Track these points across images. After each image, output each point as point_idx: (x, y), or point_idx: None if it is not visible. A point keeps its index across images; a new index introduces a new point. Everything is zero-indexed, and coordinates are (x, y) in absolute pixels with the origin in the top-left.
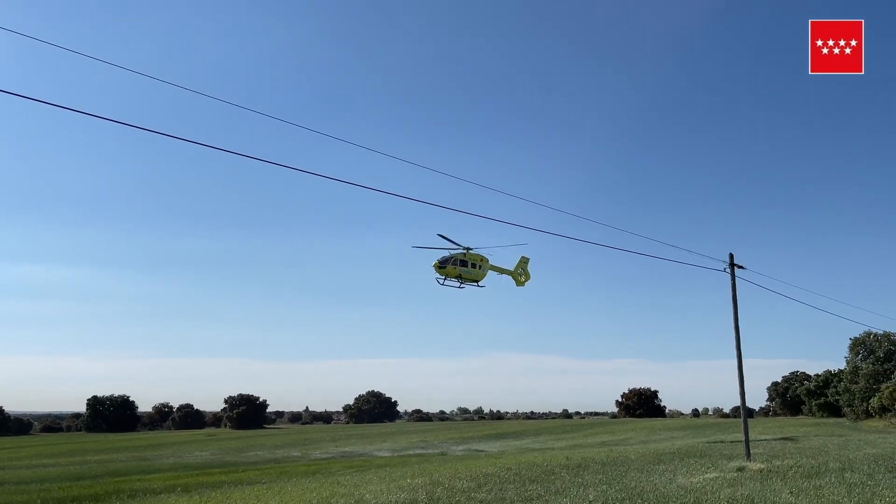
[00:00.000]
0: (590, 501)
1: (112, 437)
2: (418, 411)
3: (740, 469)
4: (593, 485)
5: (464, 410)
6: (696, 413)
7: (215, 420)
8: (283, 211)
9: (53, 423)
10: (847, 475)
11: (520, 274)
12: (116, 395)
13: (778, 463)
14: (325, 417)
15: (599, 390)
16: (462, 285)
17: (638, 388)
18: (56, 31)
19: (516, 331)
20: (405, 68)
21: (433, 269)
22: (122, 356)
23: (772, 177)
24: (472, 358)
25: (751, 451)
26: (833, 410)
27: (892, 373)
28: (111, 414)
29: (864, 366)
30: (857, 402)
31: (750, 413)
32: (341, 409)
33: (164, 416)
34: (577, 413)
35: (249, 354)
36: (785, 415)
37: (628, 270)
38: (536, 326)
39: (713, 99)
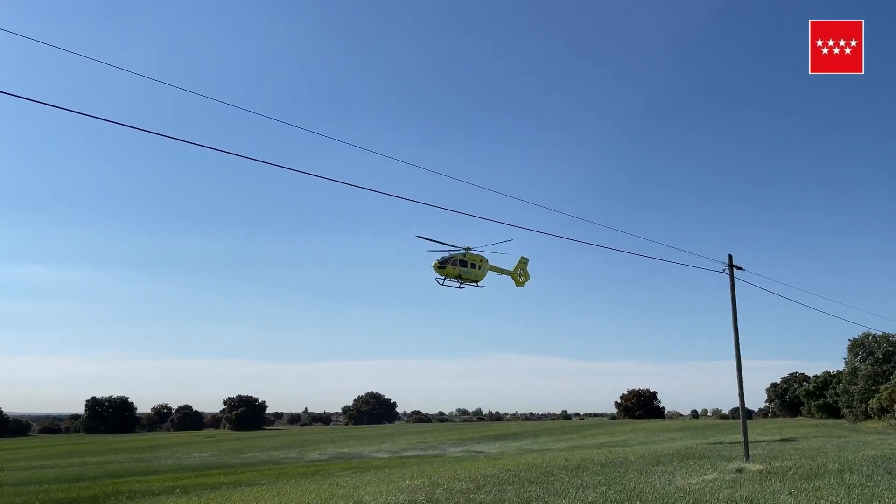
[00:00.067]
0: (589, 502)
1: (111, 438)
2: (417, 412)
3: (739, 470)
4: (592, 486)
5: (463, 412)
6: (695, 414)
7: (214, 421)
8: (282, 212)
9: (52, 425)
10: (846, 476)
11: (519, 274)
12: (115, 396)
13: (777, 464)
14: (324, 419)
15: (598, 391)
16: (462, 285)
17: (637, 389)
18: (56, 33)
19: (515, 332)
20: (405, 69)
21: (433, 269)
22: (121, 357)
23: (771, 177)
24: (471, 359)
25: (750, 453)
26: (832, 412)
27: (891, 374)
28: (110, 415)
29: (862, 367)
30: (855, 403)
31: (749, 414)
32: (340, 411)
33: (162, 418)
34: (576, 414)
35: (248, 355)
36: (784, 416)
37: (627, 271)
38: (536, 327)
39: (713, 99)
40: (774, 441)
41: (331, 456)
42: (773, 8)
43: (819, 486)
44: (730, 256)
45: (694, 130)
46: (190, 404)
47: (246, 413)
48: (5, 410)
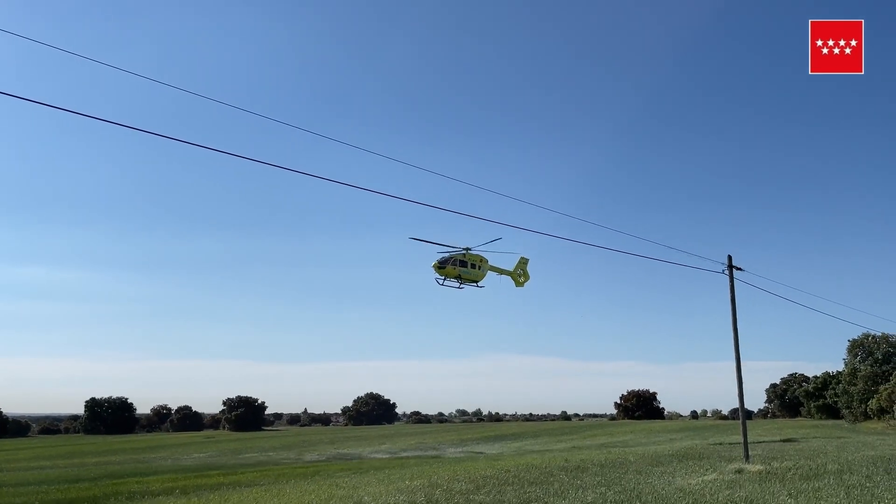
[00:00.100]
0: (588, 503)
1: (110, 439)
2: (417, 413)
3: (739, 471)
4: (592, 487)
5: (462, 412)
6: (694, 415)
7: (214, 422)
8: (281, 212)
9: (51, 425)
10: (845, 477)
11: (519, 275)
12: (115, 397)
13: (776, 465)
14: (324, 419)
15: (598, 392)
16: (461, 286)
17: (637, 389)
18: (56, 33)
19: (515, 332)
20: (405, 70)
21: (433, 269)
22: (120, 358)
23: (771, 177)
24: (470, 360)
25: (749, 453)
26: (831, 412)
27: (891, 375)
28: (109, 416)
29: (862, 368)
30: (855, 403)
31: (748, 415)
32: (340, 411)
33: (162, 418)
34: (576, 415)
35: (248, 356)
36: (783, 416)
37: (627, 272)
38: (535, 328)
39: (713, 99)
40: (774, 442)
41: (330, 456)
42: (773, 8)
43: (818, 487)
44: (729, 257)
45: (694, 130)
46: (189, 405)
47: (245, 414)
48: (5, 411)
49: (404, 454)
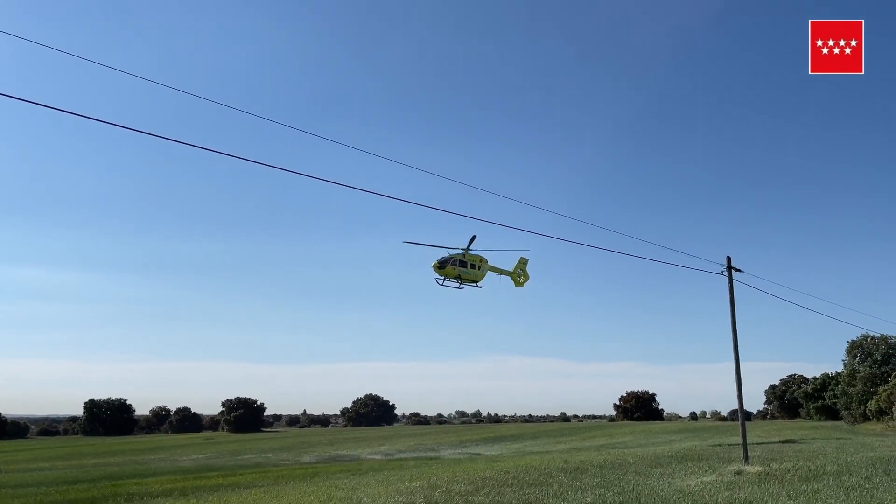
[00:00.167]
0: None
1: (109, 440)
2: (416, 415)
3: (738, 472)
4: (591, 488)
5: (461, 414)
6: (693, 416)
7: (213, 423)
8: (281, 213)
9: (50, 427)
10: (845, 478)
11: (519, 275)
12: (114, 398)
13: (776, 466)
14: (323, 421)
15: (597, 393)
16: (461, 286)
17: (636, 391)
18: (56, 34)
19: (514, 334)
20: (404, 71)
21: (432, 269)
22: (119, 359)
23: (770, 178)
24: (469, 361)
25: (749, 455)
26: (830, 413)
27: (890, 376)
28: (108, 417)
29: (861, 369)
30: (854, 405)
31: (748, 416)
32: (339, 413)
33: (161, 420)
34: (575, 416)
35: (247, 358)
36: (782, 418)
37: (626, 273)
38: (534, 329)
39: (713, 100)
40: (773, 443)
41: (329, 458)
42: (773, 8)
43: (818, 489)
44: (728, 258)
45: (693, 131)
46: (188, 406)
47: (244, 415)
48: (3, 412)
49: (403, 455)
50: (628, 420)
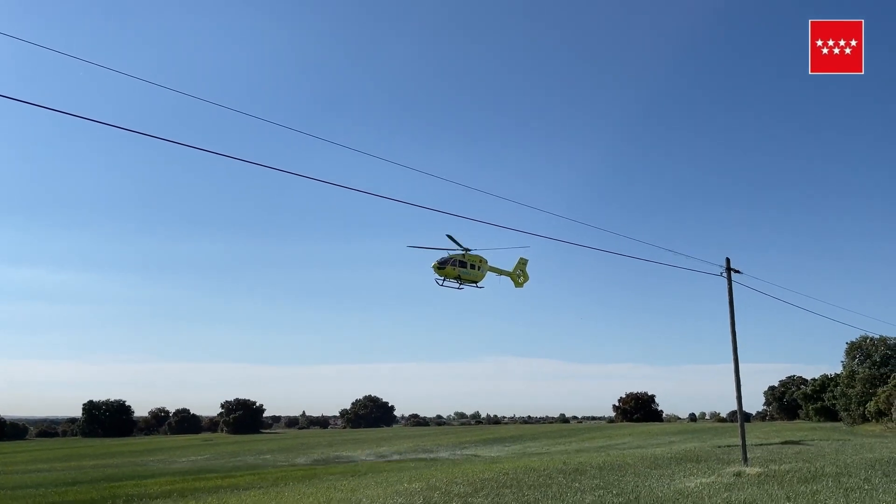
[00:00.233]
0: None
1: (108, 441)
2: (415, 416)
3: (737, 474)
4: (590, 489)
5: (461, 415)
6: (693, 417)
7: (212, 425)
8: (280, 214)
9: (49, 428)
10: (844, 480)
11: (518, 275)
12: (112, 399)
13: (775, 467)
14: (322, 422)
15: (596, 395)
16: (461, 286)
17: (635, 392)
18: (55, 36)
19: (513, 335)
20: (404, 72)
21: (432, 269)
22: (118, 360)
23: (770, 179)
24: (468, 362)
25: (748, 456)
26: (830, 415)
27: (889, 377)
28: (107, 419)
29: (860, 370)
30: (853, 406)
31: (747, 417)
32: (338, 414)
33: (160, 421)
34: (575, 417)
35: (246, 359)
36: (782, 419)
37: (625, 274)
38: (533, 330)
39: (712, 100)
40: (772, 444)
41: (328, 459)
42: (773, 8)
43: (817, 490)
44: (727, 260)
45: (693, 131)
46: (187, 408)
47: (243, 416)
48: (2, 414)
49: (402, 457)
50: (627, 421)
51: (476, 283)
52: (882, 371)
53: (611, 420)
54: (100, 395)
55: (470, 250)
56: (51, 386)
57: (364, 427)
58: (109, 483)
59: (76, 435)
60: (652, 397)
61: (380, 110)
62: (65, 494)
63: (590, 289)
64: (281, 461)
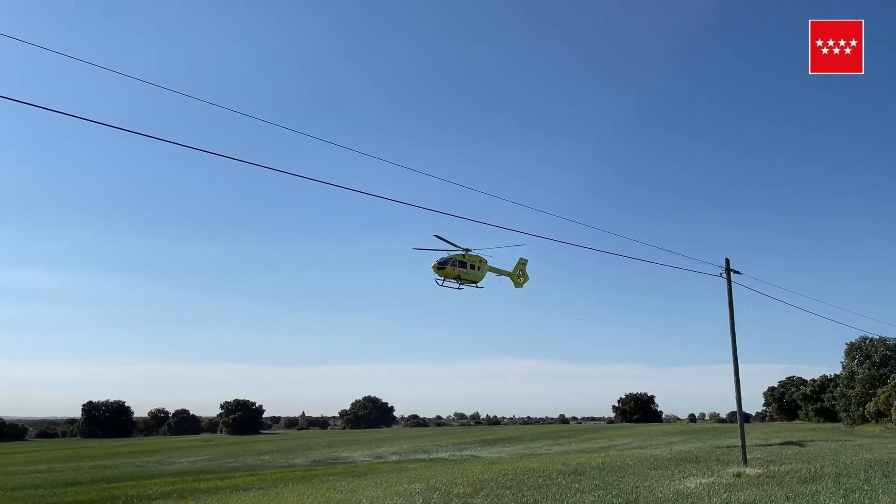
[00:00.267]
0: None
1: (107, 442)
2: (415, 417)
3: (737, 474)
4: (590, 490)
5: (460, 416)
6: (692, 418)
7: (211, 426)
8: (280, 215)
9: (48, 429)
10: (843, 480)
11: (518, 275)
12: (112, 400)
13: (775, 468)
14: (322, 423)
15: (596, 395)
16: (461, 286)
17: (634, 393)
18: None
19: (513, 336)
20: (404, 73)
21: (432, 270)
22: (117, 361)
23: (770, 180)
24: (468, 363)
25: (747, 457)
26: (829, 415)
27: (888, 378)
28: (106, 419)
29: (860, 371)
30: (853, 406)
31: (746, 418)
32: (337, 415)
33: (159, 422)
34: (574, 418)
35: (245, 360)
36: (781, 420)
37: (624, 275)
38: (533, 331)
39: (712, 100)
40: (772, 445)
41: (327, 460)
42: (773, 8)
43: (816, 490)
44: (727, 260)
45: (692, 132)
46: (187, 408)
47: (243, 417)
48: (1, 414)
49: (402, 457)
50: (627, 422)
51: (476, 283)
52: (881, 372)
53: (610, 421)
54: (99, 396)
55: (470, 250)
56: (50, 386)
57: (363, 428)
58: (109, 484)
59: (75, 436)
60: (652, 398)
61: (379, 110)
62: (64, 495)
63: (589, 289)
64: (280, 462)
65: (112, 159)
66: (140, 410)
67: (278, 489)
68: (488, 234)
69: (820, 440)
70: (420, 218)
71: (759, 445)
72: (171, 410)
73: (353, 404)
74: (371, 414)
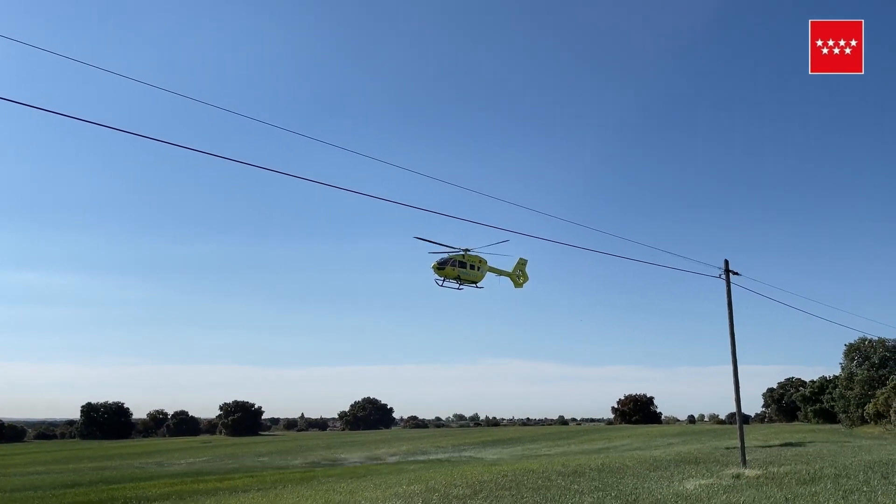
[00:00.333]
0: None
1: (106, 444)
2: (414, 418)
3: (736, 475)
4: (589, 491)
5: (460, 417)
6: (692, 419)
7: (210, 427)
8: (279, 216)
9: (47, 431)
10: (843, 482)
11: (518, 276)
12: (111, 401)
13: (774, 469)
14: (321, 424)
15: (595, 397)
16: (461, 287)
17: (634, 394)
18: (55, 37)
19: (512, 337)
20: (403, 73)
21: (432, 270)
22: (116, 363)
23: (769, 180)
24: (467, 364)
25: (747, 458)
26: (828, 416)
27: (887, 379)
28: (105, 421)
29: (859, 372)
30: (852, 408)
31: (746, 419)
32: (337, 416)
33: (158, 423)
34: (573, 420)
35: (245, 361)
36: (780, 421)
37: (624, 276)
38: (532, 333)
39: (712, 100)
40: (771, 446)
41: (327, 461)
42: (773, 8)
43: (816, 492)
44: (726, 262)
45: (692, 133)
46: (186, 410)
47: (242, 419)
48: (0, 416)
49: (401, 459)
50: (626, 423)
51: (476, 283)
52: (881, 373)
53: (610, 422)
54: (98, 398)
55: (469, 250)
56: (49, 388)
57: (363, 429)
58: (107, 485)
59: (74, 437)
60: (651, 399)
61: (379, 110)
62: (63, 497)
63: (589, 290)
64: (279, 463)
65: (112, 161)
66: (139, 412)
67: (277, 491)
68: (489, 235)
69: (819, 441)
70: (420, 218)
71: (759, 447)
72: (170, 412)
73: (352, 405)
74: (370, 415)
